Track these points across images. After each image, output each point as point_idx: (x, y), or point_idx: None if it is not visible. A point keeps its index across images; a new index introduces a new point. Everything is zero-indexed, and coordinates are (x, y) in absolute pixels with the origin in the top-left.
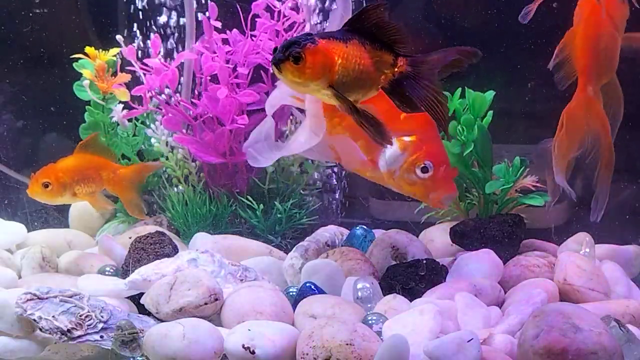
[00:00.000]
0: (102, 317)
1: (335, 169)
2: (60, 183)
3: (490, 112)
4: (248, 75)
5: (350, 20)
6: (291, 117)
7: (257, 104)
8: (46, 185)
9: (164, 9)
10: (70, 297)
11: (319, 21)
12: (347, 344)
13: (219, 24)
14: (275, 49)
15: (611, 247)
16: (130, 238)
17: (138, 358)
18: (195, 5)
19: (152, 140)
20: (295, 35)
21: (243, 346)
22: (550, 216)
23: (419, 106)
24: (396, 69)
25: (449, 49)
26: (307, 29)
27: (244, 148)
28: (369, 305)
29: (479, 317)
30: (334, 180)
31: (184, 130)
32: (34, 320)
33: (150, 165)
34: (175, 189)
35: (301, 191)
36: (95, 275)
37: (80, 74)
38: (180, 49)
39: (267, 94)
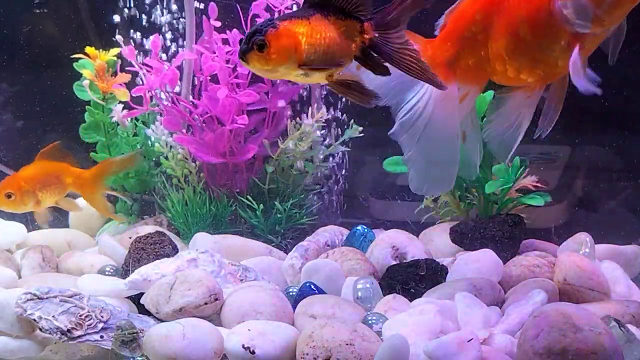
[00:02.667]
0: (102, 317)
1: (336, 169)
2: (23, 192)
3: None
4: (248, 75)
5: None
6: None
7: (257, 104)
8: (9, 196)
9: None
10: (70, 297)
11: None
12: (347, 344)
13: (218, 24)
14: (241, 41)
15: (611, 247)
16: (130, 238)
17: (138, 358)
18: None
19: (151, 135)
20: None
21: (243, 346)
22: (550, 216)
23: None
24: (365, 35)
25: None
26: None
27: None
28: (369, 305)
29: (479, 317)
30: (334, 180)
31: (184, 130)
32: (34, 320)
33: (114, 160)
34: (175, 189)
35: (305, 189)
36: (95, 275)
37: (80, 74)
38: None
39: (267, 94)
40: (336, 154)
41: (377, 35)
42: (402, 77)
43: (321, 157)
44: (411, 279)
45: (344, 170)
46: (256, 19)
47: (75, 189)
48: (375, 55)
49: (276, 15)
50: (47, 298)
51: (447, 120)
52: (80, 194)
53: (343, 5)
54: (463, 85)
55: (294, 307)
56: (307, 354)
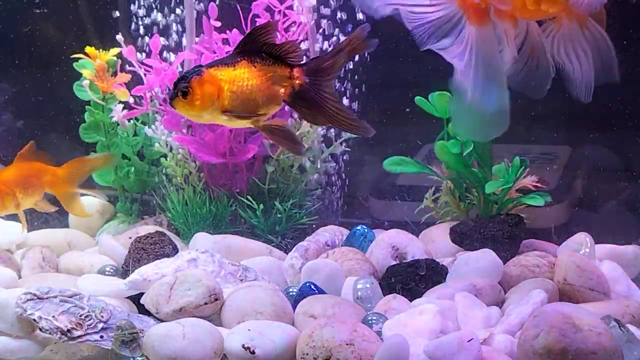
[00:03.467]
0: (102, 317)
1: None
2: (3, 194)
3: None
4: None
5: (240, 43)
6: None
7: None
8: None
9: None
10: (70, 297)
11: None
12: (347, 344)
13: (218, 24)
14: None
15: (611, 247)
16: (130, 238)
17: (138, 358)
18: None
19: (151, 135)
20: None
21: (243, 346)
22: (550, 216)
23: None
24: (295, 81)
25: (340, 45)
26: (307, 29)
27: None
28: (369, 305)
29: (479, 317)
30: (334, 180)
31: (184, 130)
32: (34, 320)
33: (87, 159)
34: (175, 189)
35: (306, 188)
36: (95, 275)
37: (80, 74)
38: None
39: None
40: (337, 154)
41: (307, 81)
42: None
43: (322, 156)
44: (411, 279)
45: (344, 170)
46: (256, 19)
47: (51, 188)
48: (304, 101)
49: (276, 15)
50: (47, 298)
51: (492, 62)
52: (54, 192)
53: (272, 52)
54: (498, 23)
55: (294, 307)
56: (307, 354)
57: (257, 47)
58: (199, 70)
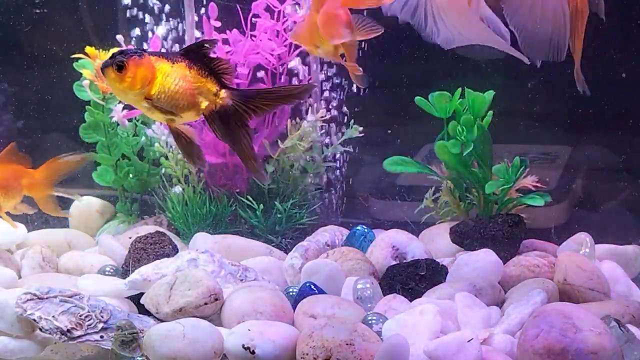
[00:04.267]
0: (102, 317)
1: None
2: None
3: (490, 112)
4: (248, 75)
5: (188, 47)
6: (290, 118)
7: None
8: None
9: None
10: (70, 297)
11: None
12: (347, 344)
13: (219, 24)
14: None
15: (611, 247)
16: (130, 238)
17: (138, 358)
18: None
19: (151, 135)
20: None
21: (243, 346)
22: (550, 216)
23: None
24: (218, 100)
25: (280, 88)
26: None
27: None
28: (369, 305)
29: (479, 317)
30: (334, 180)
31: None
32: (34, 320)
33: (63, 161)
34: (175, 189)
35: (307, 189)
36: (95, 275)
37: (80, 74)
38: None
39: None
40: (337, 154)
41: (230, 104)
42: None
43: (321, 156)
44: (411, 279)
45: (344, 170)
46: (256, 20)
47: (29, 189)
48: (220, 122)
49: (276, 15)
50: (47, 298)
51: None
52: (32, 193)
53: (211, 64)
54: None
55: (294, 307)
56: (307, 354)
57: (200, 56)
58: (141, 52)
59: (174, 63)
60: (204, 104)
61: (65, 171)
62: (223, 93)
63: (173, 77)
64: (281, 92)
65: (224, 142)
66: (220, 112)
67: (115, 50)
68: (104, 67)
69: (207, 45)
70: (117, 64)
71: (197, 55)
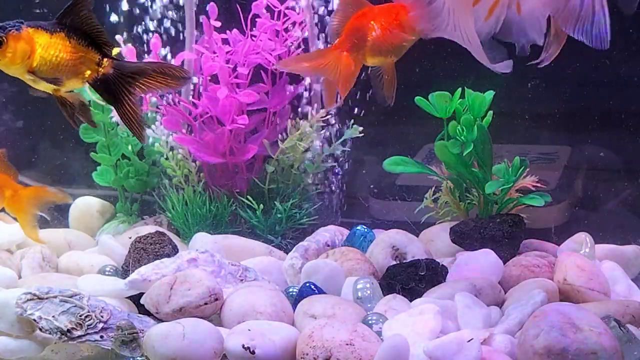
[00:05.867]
0: (102, 317)
1: (337, 169)
2: None
3: (490, 112)
4: (248, 75)
5: (61, 14)
6: (291, 118)
7: (257, 104)
8: None
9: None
10: (70, 297)
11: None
12: (347, 344)
13: (219, 24)
14: None
15: (611, 247)
16: (130, 238)
17: (138, 358)
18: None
19: (151, 135)
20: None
21: (243, 346)
22: (550, 216)
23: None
24: (100, 69)
25: (160, 63)
26: (307, 29)
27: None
28: (369, 305)
29: (479, 317)
30: (335, 180)
31: (184, 130)
32: (34, 320)
33: (51, 193)
34: (175, 190)
35: (306, 189)
36: (95, 275)
37: None
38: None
39: (267, 94)
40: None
41: (112, 73)
42: None
43: (322, 156)
44: (411, 279)
45: (344, 170)
46: (256, 19)
47: (10, 205)
48: (104, 90)
49: (275, 15)
50: (47, 298)
51: None
52: (12, 211)
53: (92, 34)
54: None
55: (294, 307)
56: (307, 354)
57: (79, 23)
58: (19, 26)
59: (52, 34)
60: (87, 73)
61: (46, 202)
62: (105, 62)
63: (53, 48)
64: (159, 69)
65: (111, 105)
66: (103, 80)
67: (115, 50)
68: None
69: (80, 4)
70: None
71: (76, 24)
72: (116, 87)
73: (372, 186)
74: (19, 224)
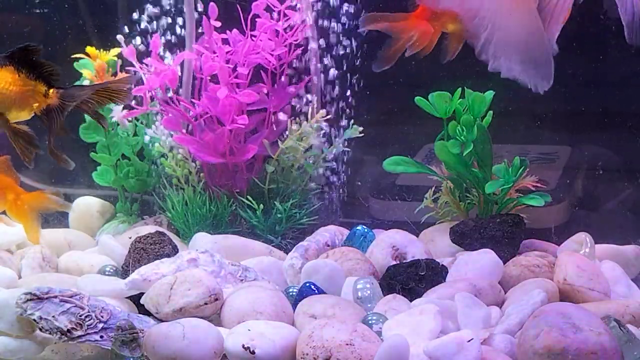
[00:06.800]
0: (102, 317)
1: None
2: None
3: (490, 112)
4: (248, 75)
5: (14, 50)
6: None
7: (257, 104)
8: None
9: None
10: (70, 297)
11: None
12: (347, 344)
13: (219, 24)
14: None
15: (611, 247)
16: (130, 238)
17: (138, 358)
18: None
19: (151, 135)
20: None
21: (243, 346)
22: (550, 216)
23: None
24: (47, 100)
25: (102, 84)
26: (307, 29)
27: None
28: (369, 305)
29: (479, 317)
30: (334, 180)
31: (184, 130)
32: (34, 320)
33: (52, 199)
34: (175, 189)
35: (305, 189)
36: (95, 275)
37: (81, 74)
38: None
39: (267, 94)
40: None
41: (58, 103)
42: None
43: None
44: (411, 279)
45: (344, 170)
46: (256, 20)
47: (13, 209)
48: (50, 120)
49: (275, 15)
50: (47, 298)
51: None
52: (14, 215)
53: (38, 68)
54: None
55: (294, 307)
56: (307, 354)
57: (27, 58)
58: None
59: (1, 67)
60: (35, 105)
61: (47, 208)
62: (52, 93)
63: (1, 81)
64: (102, 88)
65: (49, 131)
66: (50, 110)
67: (116, 50)
68: None
69: (31, 48)
70: None
71: (23, 59)
72: (59, 114)
73: (371, 187)
74: (23, 228)
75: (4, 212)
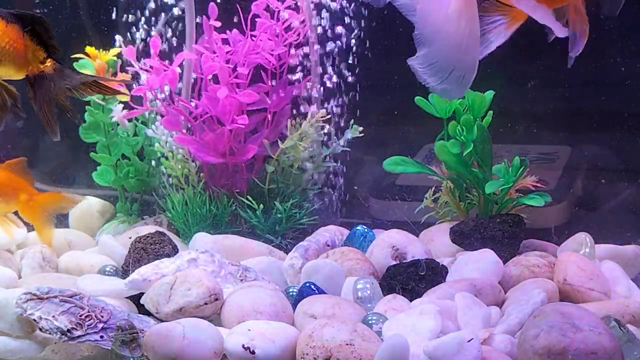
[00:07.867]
0: (102, 317)
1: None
2: None
3: (490, 112)
4: (248, 75)
5: (26, 13)
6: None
7: (257, 104)
8: None
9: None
10: (70, 297)
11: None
12: (347, 344)
13: (219, 24)
14: None
15: (611, 247)
16: (130, 238)
17: (138, 358)
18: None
19: (151, 135)
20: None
21: (243, 346)
22: (550, 216)
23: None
24: (42, 67)
25: (99, 77)
26: (307, 29)
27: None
28: (369, 305)
29: (479, 317)
30: (334, 180)
31: (184, 130)
32: (34, 320)
33: (69, 199)
34: (175, 189)
35: (305, 189)
36: (95, 275)
37: None
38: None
39: (267, 94)
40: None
41: (50, 75)
42: None
43: (322, 156)
44: (411, 279)
45: (344, 170)
46: (256, 20)
47: (26, 210)
48: (38, 87)
49: (275, 16)
50: (47, 298)
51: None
52: (27, 217)
53: (42, 34)
54: None
55: (294, 307)
56: (307, 354)
57: (35, 26)
58: None
59: (8, 23)
60: (29, 68)
61: (62, 208)
62: (49, 62)
63: (5, 37)
64: (97, 81)
65: (33, 103)
66: (39, 77)
67: (116, 50)
68: None
69: (42, 21)
70: None
71: (31, 24)
72: (49, 87)
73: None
74: (35, 229)
75: (15, 213)
